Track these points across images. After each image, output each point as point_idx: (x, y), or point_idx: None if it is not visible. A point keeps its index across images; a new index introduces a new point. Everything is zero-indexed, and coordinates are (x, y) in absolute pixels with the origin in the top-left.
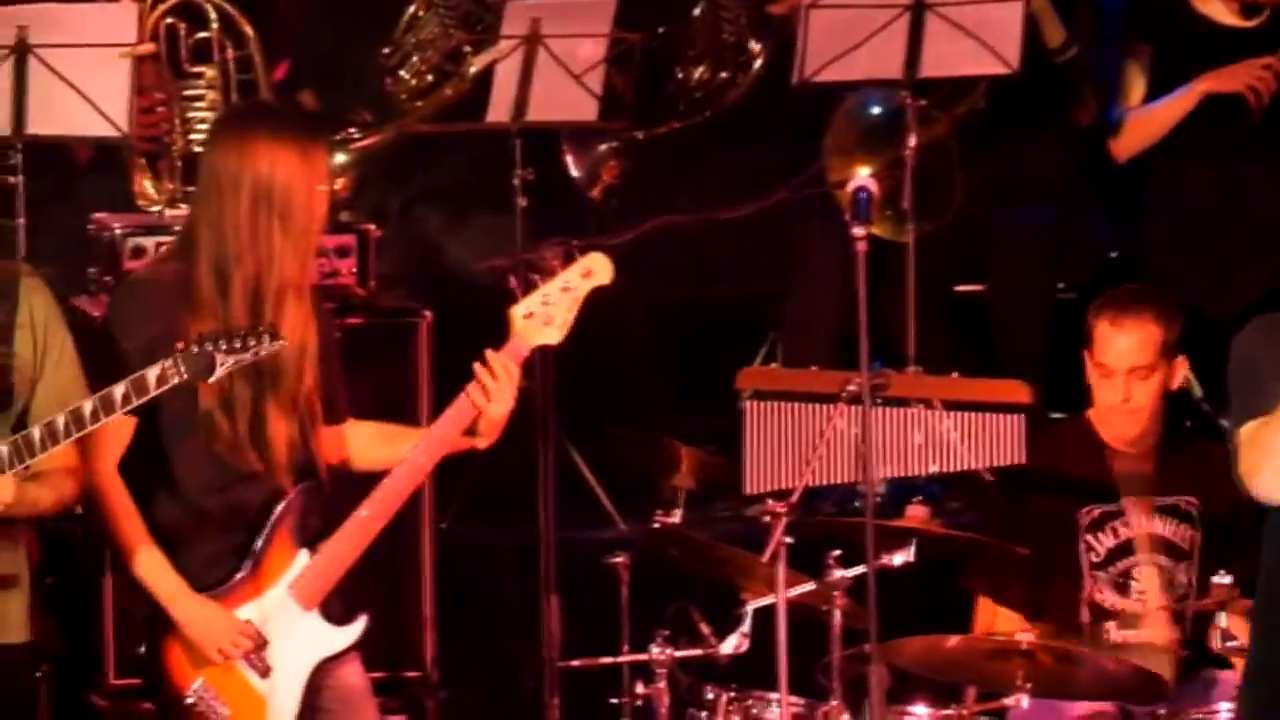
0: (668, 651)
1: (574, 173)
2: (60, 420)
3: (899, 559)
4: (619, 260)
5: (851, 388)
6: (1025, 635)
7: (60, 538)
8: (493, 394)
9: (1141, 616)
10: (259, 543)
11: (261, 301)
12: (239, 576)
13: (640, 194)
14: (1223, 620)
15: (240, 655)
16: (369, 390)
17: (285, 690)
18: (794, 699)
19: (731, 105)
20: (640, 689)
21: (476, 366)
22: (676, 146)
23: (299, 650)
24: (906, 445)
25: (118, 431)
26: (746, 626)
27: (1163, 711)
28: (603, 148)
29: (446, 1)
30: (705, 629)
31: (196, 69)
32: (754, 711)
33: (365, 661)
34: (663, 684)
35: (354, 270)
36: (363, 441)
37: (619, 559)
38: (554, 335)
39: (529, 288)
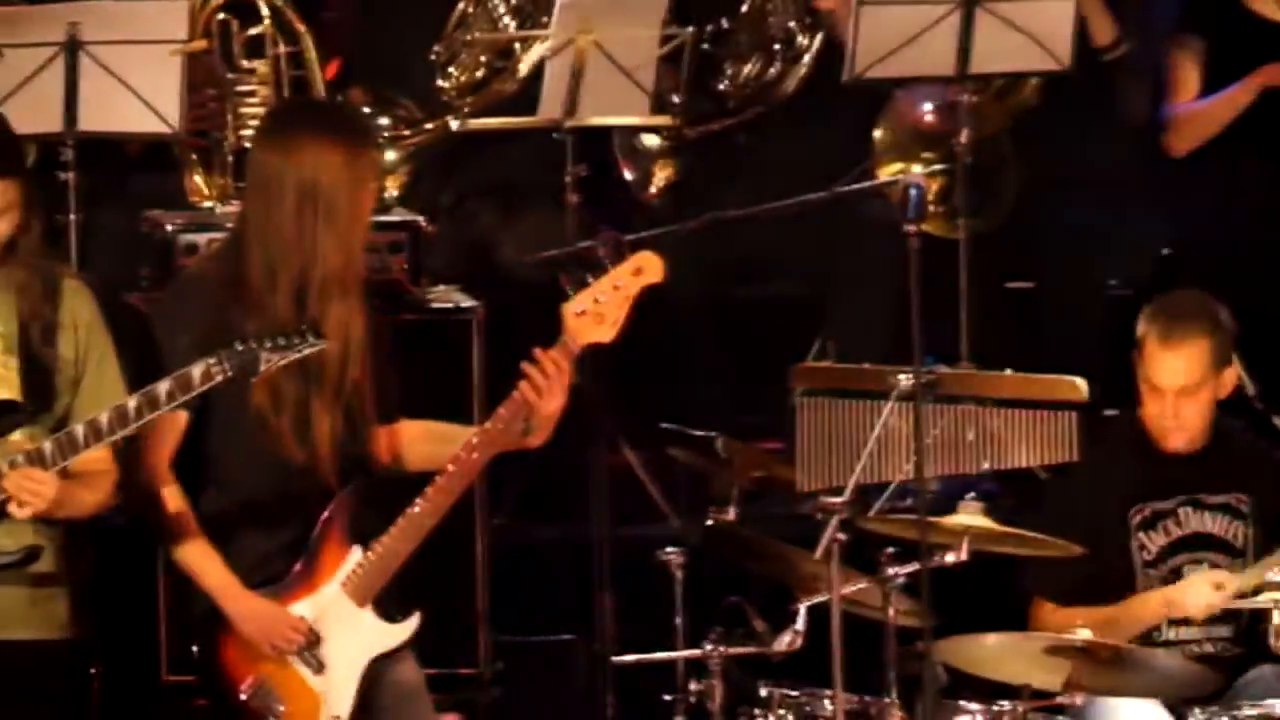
0: (721, 648)
1: (628, 176)
2: (104, 418)
3: (951, 557)
4: (670, 256)
5: (904, 384)
6: (1080, 633)
7: (113, 536)
8: (544, 391)
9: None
10: (312, 540)
11: (306, 298)
12: (292, 573)
13: (691, 190)
14: (1276, 618)
15: (294, 650)
16: (420, 387)
17: (340, 687)
18: (848, 696)
19: (781, 100)
20: (694, 685)
21: (525, 365)
22: (727, 142)
23: (353, 647)
24: (959, 442)
25: (172, 427)
26: (800, 623)
27: (1216, 709)
28: (654, 147)
29: None
30: (759, 625)
31: (249, 65)
32: (807, 709)
33: (419, 658)
34: (716, 680)
35: (405, 266)
36: (415, 440)
37: (673, 555)
38: (606, 333)
39: (580, 282)
